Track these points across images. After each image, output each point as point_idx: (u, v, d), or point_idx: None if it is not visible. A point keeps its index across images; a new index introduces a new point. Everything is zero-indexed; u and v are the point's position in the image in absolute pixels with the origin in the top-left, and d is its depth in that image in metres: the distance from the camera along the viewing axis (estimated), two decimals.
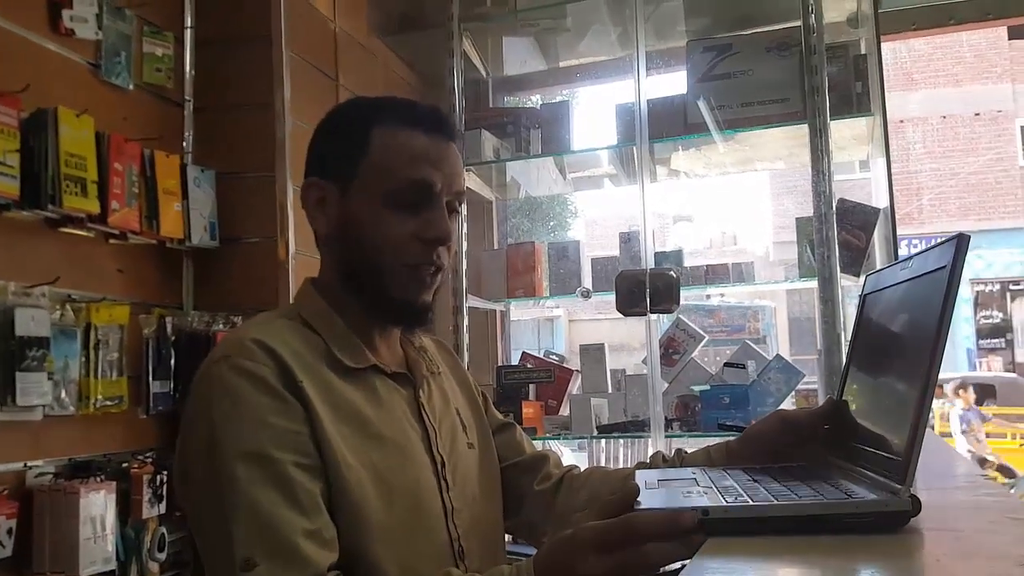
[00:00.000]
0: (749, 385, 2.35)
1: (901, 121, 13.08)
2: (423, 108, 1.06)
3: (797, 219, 2.44)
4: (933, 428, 8.33)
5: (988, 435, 8.54)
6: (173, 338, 2.00)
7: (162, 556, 1.90)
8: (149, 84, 2.05)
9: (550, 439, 2.49)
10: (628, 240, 2.61)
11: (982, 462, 7.32)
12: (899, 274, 0.86)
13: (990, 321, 13.09)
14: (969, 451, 7.64)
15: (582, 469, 1.23)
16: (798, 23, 2.27)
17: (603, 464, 4.14)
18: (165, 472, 1.89)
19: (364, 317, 1.04)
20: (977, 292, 13.04)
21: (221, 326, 2.05)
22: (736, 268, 2.54)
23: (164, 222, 1.95)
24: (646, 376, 2.38)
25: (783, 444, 1.03)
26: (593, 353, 2.65)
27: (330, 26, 2.45)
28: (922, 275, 0.78)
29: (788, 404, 2.34)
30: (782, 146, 2.67)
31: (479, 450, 1.14)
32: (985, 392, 9.95)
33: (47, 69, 1.76)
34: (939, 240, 0.75)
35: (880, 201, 2.35)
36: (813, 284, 2.20)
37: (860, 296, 1.02)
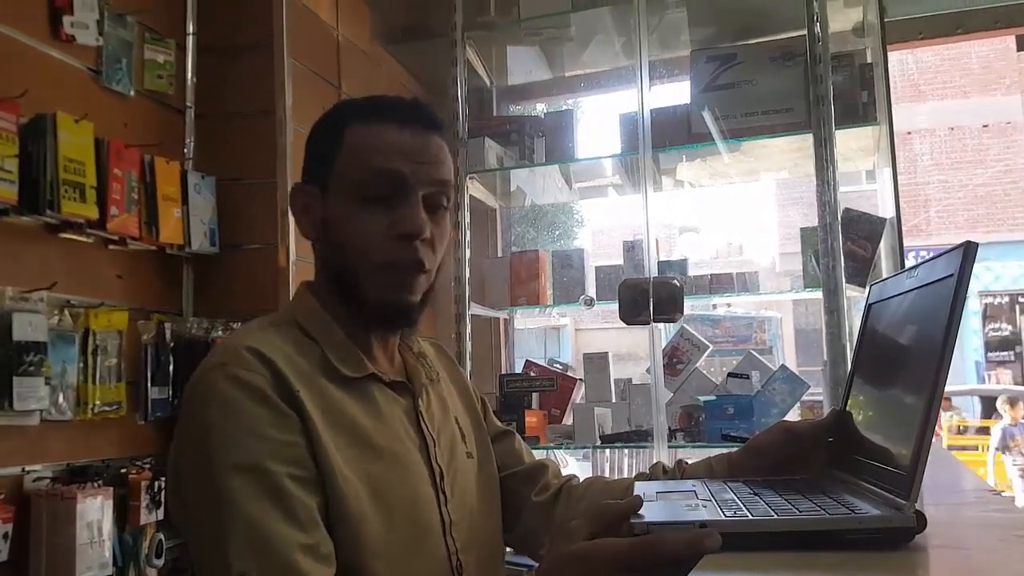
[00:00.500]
0: (753, 396, 2.33)
1: (909, 133, 13.03)
2: (399, 101, 1.02)
3: (802, 229, 2.42)
4: (941, 440, 8.28)
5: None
6: (172, 344, 1.99)
7: (159, 562, 1.89)
8: (150, 91, 2.05)
9: (553, 448, 2.47)
10: (632, 249, 2.59)
11: None
12: (905, 283, 0.85)
13: (999, 334, 12.99)
14: (1019, 467, 7.38)
15: (582, 479, 1.21)
16: (802, 32, 2.26)
17: (607, 474, 4.11)
18: (163, 478, 1.87)
19: (358, 324, 1.02)
20: (986, 304, 12.95)
21: (220, 332, 2.05)
22: (740, 278, 2.51)
23: (164, 228, 1.95)
24: (650, 386, 2.36)
25: (786, 456, 1.01)
26: (597, 362, 2.63)
27: (333, 34, 2.44)
28: (929, 284, 0.77)
29: (793, 415, 2.31)
30: (787, 157, 2.65)
31: (478, 459, 1.11)
32: (993, 405, 9.89)
33: (47, 75, 1.76)
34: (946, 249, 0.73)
35: (886, 211, 2.33)
36: (818, 295, 2.18)
37: (865, 305, 1.00)
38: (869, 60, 2.37)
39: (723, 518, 0.71)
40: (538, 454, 1.27)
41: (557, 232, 11.10)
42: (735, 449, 1.10)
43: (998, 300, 12.92)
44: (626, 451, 3.69)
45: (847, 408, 0.95)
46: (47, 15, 1.77)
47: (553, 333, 14.58)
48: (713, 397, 2.34)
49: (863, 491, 0.77)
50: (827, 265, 2.13)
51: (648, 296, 2.29)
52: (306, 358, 0.95)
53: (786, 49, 2.37)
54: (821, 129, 2.18)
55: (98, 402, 1.77)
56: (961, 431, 9.68)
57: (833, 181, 2.15)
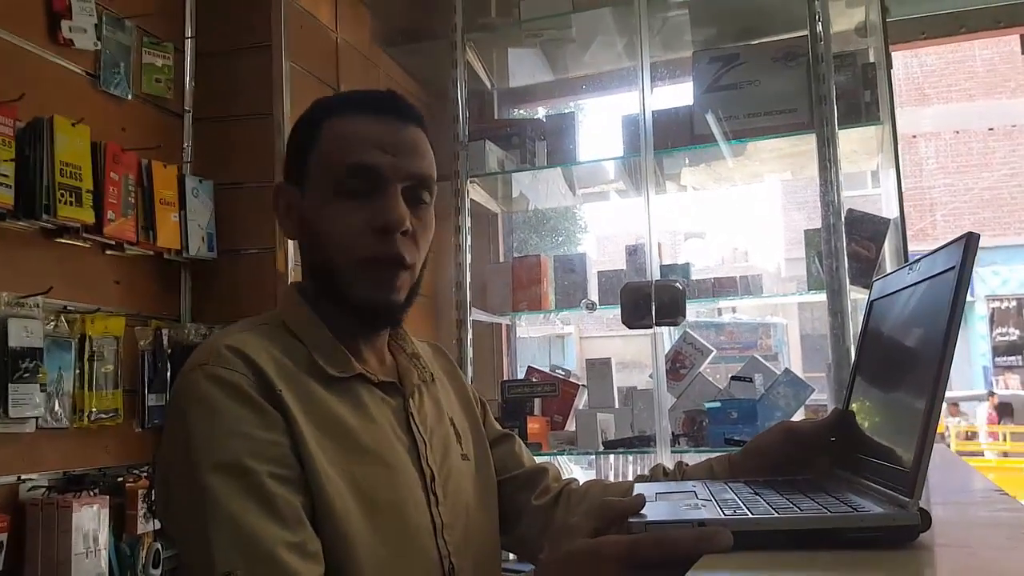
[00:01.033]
0: (757, 400, 2.31)
1: (914, 136, 13.01)
2: (375, 93, 1.01)
3: (806, 231, 2.41)
4: (948, 445, 8.21)
5: (1007, 454, 8.42)
6: (169, 351, 1.97)
7: (157, 572, 1.86)
8: (148, 95, 2.04)
9: (556, 455, 2.45)
10: (634, 252, 2.57)
11: None
12: (907, 277, 0.83)
13: (1006, 338, 12.93)
14: None
15: (581, 483, 1.19)
16: (805, 33, 2.25)
17: (610, 480, 4.06)
18: None
19: (345, 323, 1.00)
20: (993, 309, 12.90)
21: None
22: (744, 281, 2.50)
23: (161, 233, 1.93)
24: (652, 391, 2.34)
25: (787, 456, 0.99)
26: (599, 368, 2.61)
27: (332, 36, 2.44)
28: (930, 277, 0.75)
29: (797, 419, 2.29)
30: (791, 160, 2.63)
31: (474, 461, 1.10)
32: (1002, 410, 9.83)
33: (45, 79, 1.75)
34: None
35: (890, 212, 2.31)
36: (823, 297, 2.15)
37: (867, 302, 0.98)
38: (872, 60, 2.36)
39: (722, 517, 0.69)
40: (542, 460, 1.25)
41: (560, 238, 11.08)
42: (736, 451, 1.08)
43: (1005, 304, 12.87)
44: (629, 457, 3.67)
45: (850, 406, 0.93)
46: (45, 19, 1.77)
47: (557, 341, 14.55)
48: (719, 403, 2.32)
49: (866, 489, 0.75)
50: (831, 266, 2.11)
51: (650, 300, 2.27)
52: (291, 358, 0.94)
53: (789, 49, 2.36)
54: (824, 129, 2.16)
55: (94, 409, 1.76)
56: (969, 437, 9.64)
57: (836, 181, 2.14)
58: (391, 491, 0.94)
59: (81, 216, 1.70)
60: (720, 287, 2.52)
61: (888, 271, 2.27)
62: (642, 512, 0.73)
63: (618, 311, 2.33)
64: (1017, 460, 8.37)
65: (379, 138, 0.96)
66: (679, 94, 2.59)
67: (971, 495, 0.99)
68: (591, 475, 4.17)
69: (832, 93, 2.18)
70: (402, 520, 0.93)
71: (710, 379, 2.51)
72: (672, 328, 2.41)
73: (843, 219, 2.14)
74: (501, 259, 3.00)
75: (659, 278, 2.33)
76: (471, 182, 2.55)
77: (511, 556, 1.65)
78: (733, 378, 2.41)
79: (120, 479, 1.83)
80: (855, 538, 0.63)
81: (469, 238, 2.49)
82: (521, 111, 3.78)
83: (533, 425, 2.44)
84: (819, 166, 2.16)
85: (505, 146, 2.62)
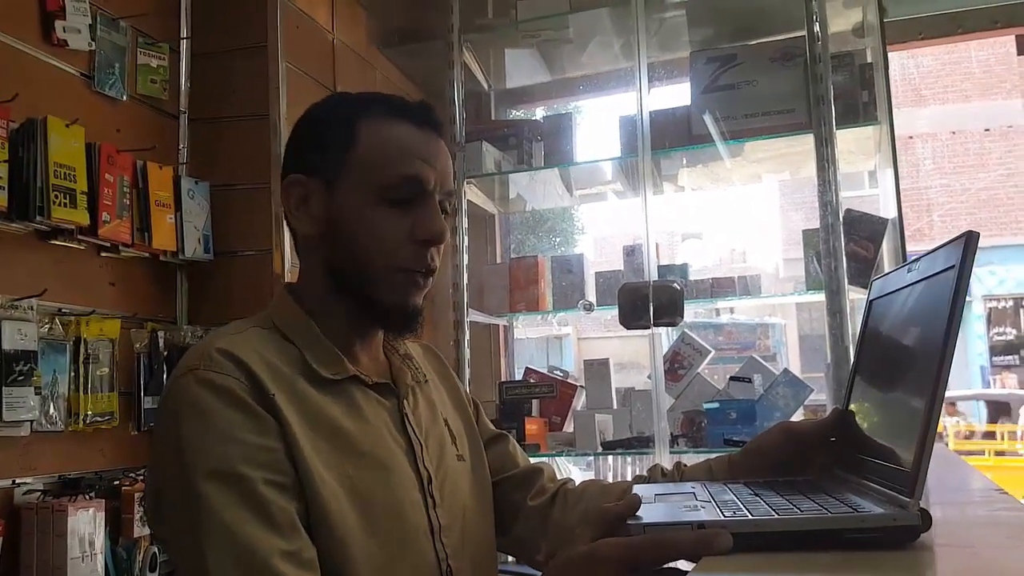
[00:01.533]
0: (756, 400, 2.30)
1: (911, 137, 13.02)
2: (410, 101, 1.01)
3: (804, 231, 2.40)
4: (947, 444, 8.22)
5: (1002, 453, 8.41)
6: (165, 353, 1.96)
7: None
8: (143, 95, 2.03)
9: (554, 456, 2.44)
10: (632, 253, 2.57)
11: None
12: (906, 277, 0.82)
13: (1003, 338, 12.94)
14: None
15: (577, 483, 1.18)
16: (802, 33, 2.25)
17: (609, 481, 4.06)
18: None
19: (346, 324, 0.99)
20: (990, 309, 12.91)
21: None
22: (742, 281, 2.49)
23: (156, 234, 1.93)
24: (651, 391, 2.34)
25: (787, 457, 0.98)
26: (597, 368, 2.60)
27: (328, 37, 2.43)
28: (930, 276, 0.74)
29: (796, 419, 2.28)
30: (789, 160, 2.63)
31: (470, 462, 1.09)
32: (999, 410, 9.84)
33: (39, 80, 1.74)
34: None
35: (888, 212, 2.31)
36: (821, 297, 2.15)
37: (866, 302, 0.97)
38: (869, 60, 2.36)
39: (722, 518, 0.68)
40: (537, 461, 1.24)
41: (557, 239, 11.06)
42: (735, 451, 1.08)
43: (1002, 304, 12.88)
44: (628, 458, 3.66)
45: (850, 406, 0.93)
46: (39, 19, 1.76)
47: (555, 342, 14.54)
48: (715, 403, 2.31)
49: (866, 490, 0.75)
50: (829, 266, 2.11)
51: (648, 300, 2.27)
52: (284, 360, 0.93)
53: (786, 49, 2.36)
54: (822, 129, 2.16)
55: (90, 412, 1.75)
56: (967, 436, 9.63)
57: (834, 181, 2.14)
58: (388, 493, 0.93)
59: (75, 218, 1.70)
60: (718, 287, 2.52)
61: (886, 271, 2.28)
62: (639, 514, 0.73)
63: (616, 312, 2.33)
64: (1015, 459, 8.37)
65: (425, 149, 0.97)
66: (676, 94, 2.59)
67: (971, 494, 0.99)
68: (589, 476, 4.16)
69: (830, 93, 2.18)
70: (399, 522, 0.93)
71: (708, 380, 2.51)
72: (670, 329, 2.41)
73: (841, 219, 2.14)
74: (498, 260, 2.99)
75: (657, 279, 2.33)
76: (468, 183, 2.55)
77: (510, 559, 1.65)
78: (732, 378, 2.41)
79: (116, 482, 1.82)
80: (855, 539, 0.63)
81: (466, 239, 2.48)
82: (518, 112, 3.77)
83: (531, 426, 2.43)
84: (817, 166, 2.16)
85: (502, 147, 2.62)
